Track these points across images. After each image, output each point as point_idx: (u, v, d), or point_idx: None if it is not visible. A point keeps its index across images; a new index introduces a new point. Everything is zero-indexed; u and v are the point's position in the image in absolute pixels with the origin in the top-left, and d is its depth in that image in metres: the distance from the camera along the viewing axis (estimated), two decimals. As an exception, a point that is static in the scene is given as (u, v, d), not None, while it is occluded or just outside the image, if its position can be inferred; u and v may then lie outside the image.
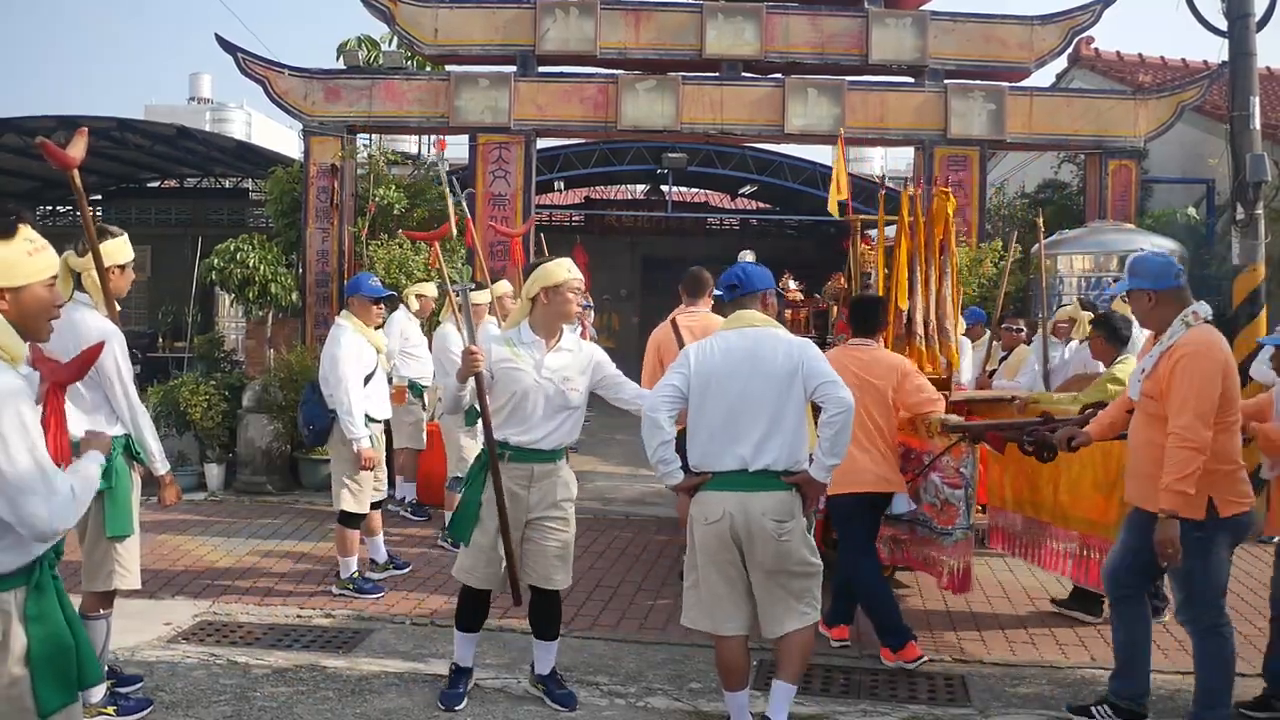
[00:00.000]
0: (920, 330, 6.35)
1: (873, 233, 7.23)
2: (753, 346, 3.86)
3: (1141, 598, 4.29)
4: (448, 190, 4.54)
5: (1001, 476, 5.99)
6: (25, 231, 2.58)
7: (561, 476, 4.36)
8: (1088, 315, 7.29)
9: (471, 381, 4.19)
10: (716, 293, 6.92)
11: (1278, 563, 4.54)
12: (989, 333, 8.02)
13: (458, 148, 10.88)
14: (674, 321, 6.59)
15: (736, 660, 3.91)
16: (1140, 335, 5.95)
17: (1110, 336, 5.72)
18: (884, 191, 7.36)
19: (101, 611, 4.13)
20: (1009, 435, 5.16)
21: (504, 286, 7.41)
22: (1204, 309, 4.06)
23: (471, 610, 4.42)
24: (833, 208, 7.58)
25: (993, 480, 6.11)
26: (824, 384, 3.77)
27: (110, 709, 4.10)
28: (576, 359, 4.34)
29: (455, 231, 5.02)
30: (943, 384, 6.27)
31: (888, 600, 5.09)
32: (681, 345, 6.42)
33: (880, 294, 6.42)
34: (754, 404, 3.79)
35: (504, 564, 4.27)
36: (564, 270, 4.30)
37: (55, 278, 2.69)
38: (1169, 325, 4.02)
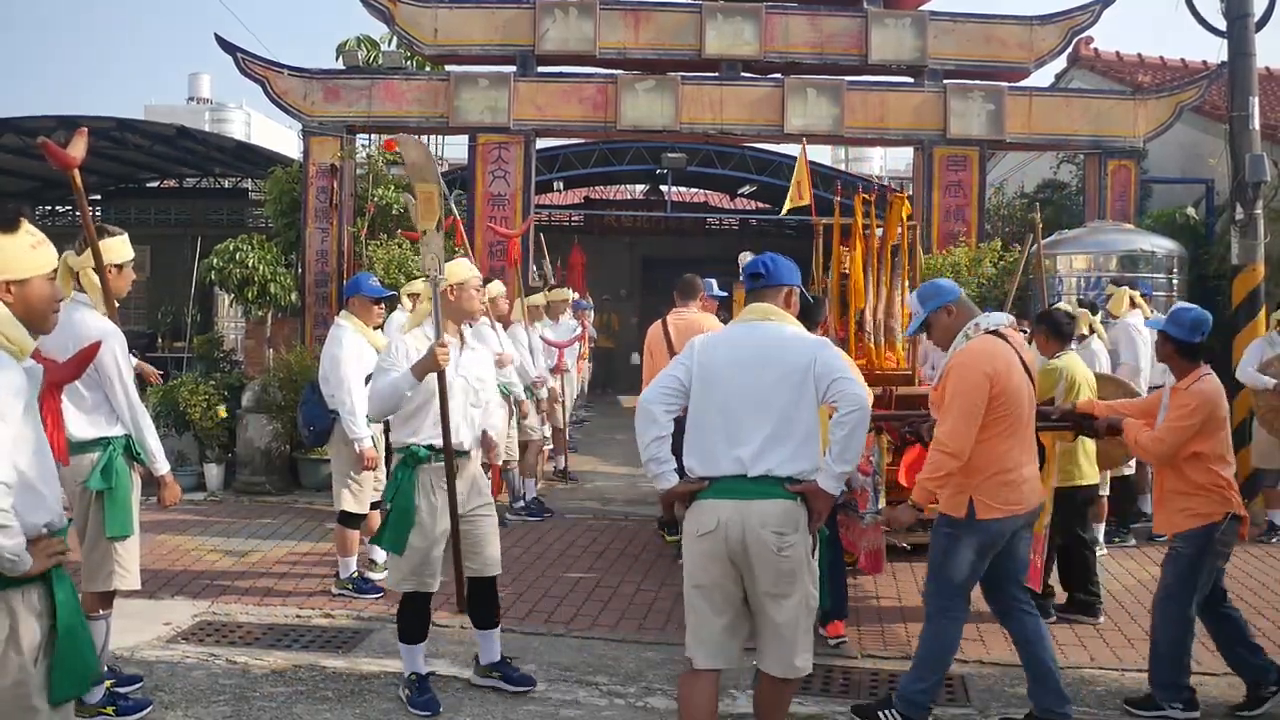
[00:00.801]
0: (869, 328, 6.72)
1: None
2: (762, 340, 3.53)
3: (1021, 610, 4.21)
4: (439, 184, 4.51)
5: None
6: (25, 225, 2.59)
7: (475, 467, 4.56)
8: (1086, 313, 7.32)
9: (429, 380, 4.17)
10: (720, 293, 7.07)
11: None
12: None
13: (457, 148, 10.86)
14: (665, 321, 6.72)
15: (700, 704, 3.45)
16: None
17: (1052, 332, 5.82)
18: (839, 197, 7.54)
19: (101, 611, 4.13)
20: (897, 426, 5.36)
21: (496, 288, 7.41)
22: (989, 320, 4.14)
23: (420, 619, 4.39)
24: (785, 210, 7.83)
25: None
26: (838, 380, 3.41)
27: (109, 709, 4.09)
28: (483, 357, 4.63)
29: (442, 219, 4.97)
30: (905, 379, 6.58)
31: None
32: (670, 343, 6.59)
33: (823, 292, 6.73)
34: (759, 402, 3.43)
35: (442, 565, 4.33)
36: (466, 269, 4.51)
37: (55, 272, 2.71)
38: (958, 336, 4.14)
